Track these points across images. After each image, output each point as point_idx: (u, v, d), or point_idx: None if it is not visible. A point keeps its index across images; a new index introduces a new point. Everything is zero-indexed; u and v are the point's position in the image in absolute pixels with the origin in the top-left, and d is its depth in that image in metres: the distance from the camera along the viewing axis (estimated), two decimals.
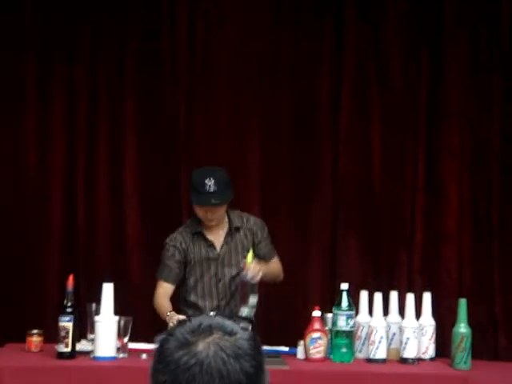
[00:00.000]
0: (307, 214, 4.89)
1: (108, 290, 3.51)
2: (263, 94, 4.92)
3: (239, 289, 3.85)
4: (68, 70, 4.87)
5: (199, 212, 4.02)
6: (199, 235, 4.09)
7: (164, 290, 4.02)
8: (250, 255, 3.82)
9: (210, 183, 3.91)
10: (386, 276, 4.76)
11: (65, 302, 3.48)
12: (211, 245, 4.09)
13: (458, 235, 4.85)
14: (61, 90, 4.88)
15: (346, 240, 4.86)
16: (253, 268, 3.79)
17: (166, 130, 4.90)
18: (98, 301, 3.52)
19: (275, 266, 4.11)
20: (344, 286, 3.64)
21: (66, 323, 3.44)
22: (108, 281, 3.54)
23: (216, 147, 4.85)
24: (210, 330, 1.41)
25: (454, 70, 4.87)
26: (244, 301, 3.77)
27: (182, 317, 3.71)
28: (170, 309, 3.88)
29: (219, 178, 3.96)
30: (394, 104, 4.90)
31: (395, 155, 4.91)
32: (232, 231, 4.09)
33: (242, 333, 1.41)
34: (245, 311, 3.73)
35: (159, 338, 1.44)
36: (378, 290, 3.71)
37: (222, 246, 4.09)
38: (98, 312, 3.51)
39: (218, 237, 4.10)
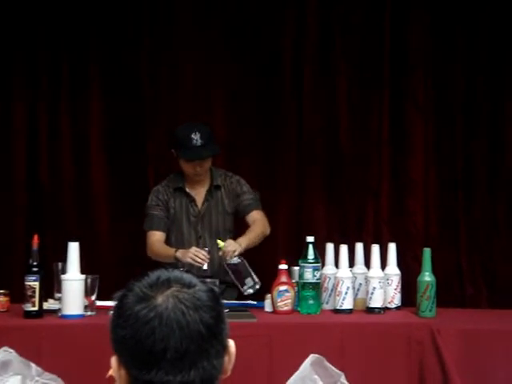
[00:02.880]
0: (273, 168, 4.89)
1: (74, 248, 3.50)
2: (227, 53, 4.89)
3: (230, 274, 3.83)
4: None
5: (187, 167, 4.01)
6: (180, 191, 4.09)
7: (157, 238, 4.03)
8: (219, 242, 3.82)
9: (197, 137, 3.93)
10: (352, 228, 4.79)
11: (30, 261, 3.46)
12: (192, 200, 4.09)
13: (424, 186, 4.88)
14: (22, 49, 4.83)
15: (312, 193, 4.88)
16: (228, 250, 3.79)
17: (130, 84, 4.87)
18: (65, 260, 3.51)
19: (256, 228, 4.00)
20: (310, 238, 3.66)
21: (33, 282, 3.43)
22: (74, 240, 3.53)
23: (180, 108, 4.82)
24: (168, 283, 1.41)
25: (417, 21, 4.86)
26: (241, 284, 3.78)
27: (200, 250, 3.74)
28: (172, 249, 3.89)
29: (204, 131, 3.98)
30: (358, 57, 4.89)
31: (360, 108, 4.91)
32: (212, 189, 4.08)
33: (201, 285, 1.42)
34: (248, 291, 3.76)
35: (118, 293, 1.44)
36: (345, 242, 3.74)
37: (202, 203, 4.09)
38: (64, 271, 3.50)
39: (199, 193, 4.10)
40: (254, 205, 4.08)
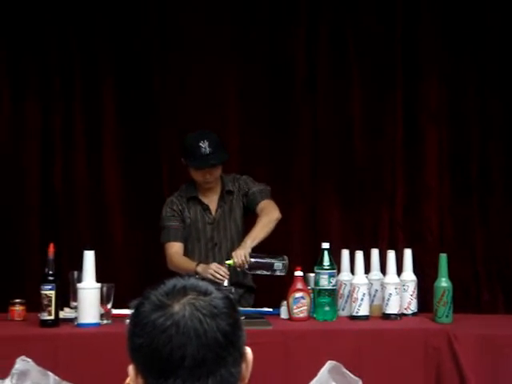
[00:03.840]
0: (287, 174, 4.89)
1: (89, 257, 3.50)
2: (239, 57, 4.90)
3: (260, 273, 3.84)
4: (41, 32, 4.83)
5: (197, 175, 4.02)
6: (194, 200, 4.09)
7: (175, 250, 4.01)
8: (227, 262, 3.82)
9: (205, 145, 3.93)
10: (367, 234, 4.78)
11: (46, 270, 3.47)
12: (207, 208, 4.09)
13: (438, 191, 4.87)
14: (33, 54, 4.85)
15: (326, 199, 4.87)
16: (239, 262, 3.79)
17: (143, 94, 4.88)
18: (80, 268, 3.51)
19: (262, 218, 3.95)
20: (325, 245, 3.65)
21: (49, 291, 3.43)
22: (89, 248, 3.53)
23: (193, 116, 4.82)
24: (184, 290, 1.40)
25: (429, 27, 4.85)
26: (273, 272, 3.79)
27: (220, 267, 3.74)
28: (193, 262, 3.89)
29: (212, 139, 3.97)
30: (371, 62, 4.89)
31: (374, 114, 4.91)
32: (224, 194, 4.09)
33: (217, 292, 1.41)
34: (283, 272, 3.78)
35: (135, 302, 1.44)
36: (360, 248, 3.73)
37: (216, 210, 4.09)
38: (80, 280, 3.51)
39: (212, 201, 4.10)
40: (260, 196, 4.05)
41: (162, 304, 1.39)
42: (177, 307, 1.38)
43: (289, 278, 3.68)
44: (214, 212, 4.10)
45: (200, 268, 3.80)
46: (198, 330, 1.36)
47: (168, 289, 1.41)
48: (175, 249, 4.02)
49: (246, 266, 3.80)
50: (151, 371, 1.37)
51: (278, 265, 3.78)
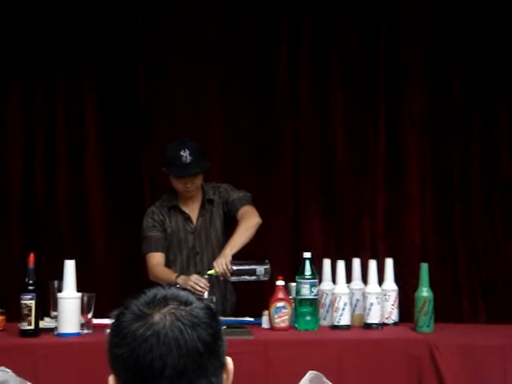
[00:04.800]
0: (269, 184, 4.90)
1: (70, 266, 3.49)
2: (222, 67, 4.91)
3: (243, 280, 3.84)
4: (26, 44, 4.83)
5: (178, 184, 4.01)
6: (175, 209, 4.09)
7: (157, 260, 4.00)
8: (209, 272, 3.82)
9: (186, 154, 3.93)
10: (349, 243, 4.79)
11: (26, 279, 3.44)
12: (188, 218, 4.08)
13: (420, 201, 4.88)
14: (17, 60, 4.84)
15: (308, 209, 4.88)
16: (221, 270, 3.78)
17: (125, 102, 4.87)
18: (61, 278, 3.50)
19: (241, 226, 3.94)
20: (306, 254, 3.65)
21: (29, 301, 3.41)
22: (69, 257, 3.51)
23: (175, 124, 4.82)
24: (165, 300, 1.40)
25: (412, 37, 4.87)
26: (257, 277, 3.79)
27: (200, 278, 3.73)
28: (173, 273, 3.87)
29: (193, 148, 3.97)
30: (353, 72, 4.90)
31: (356, 123, 4.92)
32: (205, 203, 4.08)
33: (198, 302, 1.41)
34: (266, 277, 3.77)
35: (115, 312, 1.43)
36: (341, 258, 3.73)
37: (197, 219, 4.09)
38: (60, 289, 3.49)
39: (193, 209, 4.10)
40: (240, 202, 4.05)
41: (143, 314, 1.38)
42: (157, 317, 1.37)
43: (270, 288, 3.67)
44: (195, 221, 4.09)
45: (180, 279, 3.79)
46: (179, 339, 1.35)
47: (149, 298, 1.40)
48: (156, 259, 4.01)
49: (229, 275, 3.79)
50: (133, 381, 1.36)
51: (261, 270, 3.78)
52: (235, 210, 4.02)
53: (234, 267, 3.79)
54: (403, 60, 4.89)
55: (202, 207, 4.09)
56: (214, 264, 3.80)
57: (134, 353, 1.35)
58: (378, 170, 4.89)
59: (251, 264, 3.81)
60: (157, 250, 4.03)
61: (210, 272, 3.80)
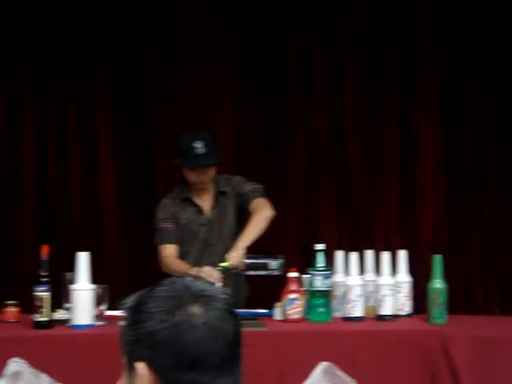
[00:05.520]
0: (282, 177, 4.89)
1: (83, 258, 3.50)
2: (234, 62, 4.90)
3: (258, 273, 3.84)
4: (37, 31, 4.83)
5: (191, 176, 4.01)
6: (187, 201, 4.08)
7: (169, 252, 3.99)
8: (222, 265, 3.81)
9: (199, 145, 3.93)
10: (362, 235, 4.78)
11: (40, 271, 3.46)
12: (200, 210, 4.08)
13: (434, 192, 4.87)
14: (28, 57, 4.84)
15: (321, 201, 4.87)
16: (235, 263, 3.79)
17: (137, 95, 4.88)
18: (74, 269, 3.51)
19: (253, 219, 3.92)
20: (319, 246, 3.65)
21: (42, 293, 3.43)
22: (83, 249, 3.52)
23: (188, 118, 4.81)
24: (198, 290, 1.42)
25: (426, 25, 4.84)
26: (269, 271, 3.78)
27: (213, 270, 3.73)
28: (186, 265, 3.87)
29: (207, 139, 3.97)
30: (367, 65, 4.88)
31: (369, 116, 4.90)
32: (218, 195, 4.08)
33: (223, 295, 1.45)
34: (280, 271, 3.76)
35: (129, 301, 1.44)
36: (354, 250, 3.73)
37: (210, 211, 4.09)
38: (73, 281, 3.50)
39: (206, 202, 4.09)
40: (253, 194, 4.03)
41: (183, 303, 1.40)
42: (200, 306, 1.40)
43: (283, 280, 3.67)
44: (207, 213, 4.09)
45: (193, 271, 3.79)
46: (225, 329, 1.40)
47: (181, 288, 1.42)
48: (169, 251, 4.01)
49: (242, 268, 3.79)
50: (175, 368, 1.37)
51: (274, 264, 3.77)
52: (248, 202, 4.01)
53: (248, 260, 3.78)
54: (417, 50, 4.86)
55: (215, 199, 4.09)
56: (228, 257, 3.80)
57: (182, 338, 1.37)
58: (391, 162, 4.87)
59: (265, 258, 3.81)
60: (169, 242, 4.03)
61: (223, 264, 3.80)
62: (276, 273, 3.78)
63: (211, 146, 3.97)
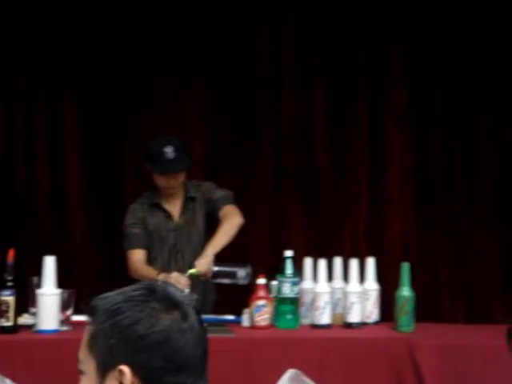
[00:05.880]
0: (250, 183, 4.88)
1: (50, 262, 3.47)
2: (204, 66, 4.89)
3: (224, 282, 3.82)
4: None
5: (161, 181, 4.00)
6: (156, 206, 4.06)
7: (138, 257, 3.98)
8: (190, 271, 3.80)
9: (169, 150, 3.94)
10: (330, 242, 4.78)
11: (5, 275, 3.42)
12: (169, 215, 4.06)
13: (402, 201, 4.88)
14: None
15: (289, 207, 4.87)
16: (202, 270, 3.77)
17: (106, 97, 4.85)
18: (41, 274, 3.47)
19: (223, 226, 3.91)
20: (288, 253, 3.65)
21: (7, 297, 3.40)
22: (49, 253, 3.49)
23: (157, 122, 4.78)
24: (178, 297, 1.46)
25: (395, 32, 4.86)
26: (237, 280, 3.77)
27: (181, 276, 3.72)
28: (154, 271, 3.86)
29: (176, 144, 3.98)
30: (336, 70, 4.89)
31: (338, 122, 4.91)
32: (187, 200, 4.07)
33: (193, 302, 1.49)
34: (247, 280, 3.75)
35: (89, 303, 1.46)
36: (323, 256, 3.73)
37: (179, 216, 4.07)
38: (40, 285, 3.47)
39: (175, 207, 4.08)
40: (222, 201, 4.02)
41: (166, 308, 1.42)
42: (184, 311, 1.43)
43: (251, 286, 3.67)
44: (176, 218, 4.08)
45: (161, 277, 3.77)
46: (203, 334, 1.45)
47: (160, 293, 1.44)
48: (137, 256, 3.99)
49: (210, 275, 3.78)
50: (168, 370, 1.40)
51: (242, 273, 3.76)
52: (218, 209, 4.00)
53: (216, 268, 3.77)
54: (386, 57, 4.88)
55: (184, 205, 4.08)
56: (196, 263, 3.79)
57: (171, 342, 1.40)
58: (359, 169, 4.88)
59: (232, 266, 3.80)
60: (138, 247, 4.01)
61: (191, 271, 3.78)
62: (243, 282, 3.77)
63: (181, 151, 3.98)
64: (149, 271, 3.89)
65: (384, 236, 4.86)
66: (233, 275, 3.78)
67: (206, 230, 4.07)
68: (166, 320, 1.40)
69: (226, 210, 3.99)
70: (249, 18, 4.90)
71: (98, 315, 1.44)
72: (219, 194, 4.06)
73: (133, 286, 1.46)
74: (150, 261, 4.02)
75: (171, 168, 3.96)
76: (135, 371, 1.39)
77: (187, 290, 3.66)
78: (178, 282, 3.70)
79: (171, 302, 1.43)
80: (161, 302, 1.42)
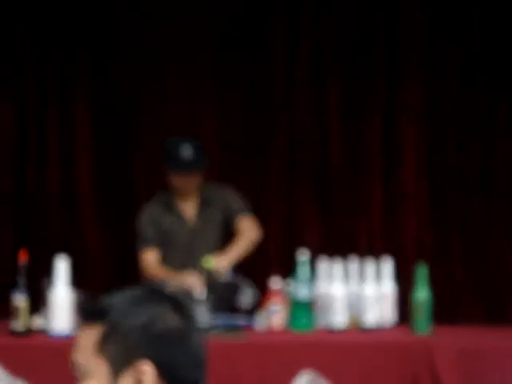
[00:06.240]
0: (263, 180, 4.84)
1: (62, 264, 3.44)
2: (217, 66, 4.86)
3: (224, 292, 3.80)
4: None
5: (177, 181, 3.96)
6: (170, 207, 4.03)
7: (151, 257, 3.96)
8: (207, 261, 3.77)
9: (188, 150, 3.89)
10: (345, 243, 4.74)
11: (17, 277, 3.40)
12: (183, 216, 4.03)
13: (416, 197, 4.84)
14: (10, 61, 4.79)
15: (304, 207, 4.83)
16: (219, 264, 3.75)
17: (117, 96, 4.82)
18: (53, 276, 3.45)
19: (243, 238, 3.93)
20: (302, 256, 3.61)
21: (20, 299, 3.37)
22: (62, 254, 3.47)
23: (169, 121, 4.76)
24: (185, 299, 1.58)
25: (411, 31, 4.83)
26: (239, 296, 3.74)
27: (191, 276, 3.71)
28: (167, 271, 3.85)
29: (195, 144, 3.95)
30: (351, 68, 4.86)
31: (352, 120, 4.88)
32: (203, 202, 4.03)
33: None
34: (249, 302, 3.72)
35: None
36: (338, 257, 3.69)
37: (193, 218, 4.04)
38: (52, 286, 3.44)
39: (189, 208, 4.05)
40: (241, 211, 4.01)
41: (178, 307, 1.46)
42: (190, 311, 1.49)
43: (265, 287, 3.63)
44: (190, 219, 4.04)
45: (175, 278, 3.74)
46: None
47: (172, 294, 1.50)
48: (150, 257, 3.97)
49: (222, 277, 3.74)
50: (186, 366, 1.44)
51: (248, 291, 3.71)
52: (235, 219, 3.99)
53: (229, 274, 3.74)
54: (402, 56, 4.84)
55: (200, 206, 4.04)
56: (215, 259, 3.75)
57: (190, 339, 1.45)
58: (374, 168, 4.85)
59: (244, 282, 3.75)
60: (151, 248, 3.99)
61: (207, 264, 3.74)
62: (244, 301, 3.71)
63: (198, 152, 3.93)
64: (161, 271, 3.88)
65: (399, 234, 4.82)
66: (239, 288, 3.72)
67: (220, 233, 4.04)
68: (179, 319, 1.44)
69: (244, 222, 3.99)
70: (262, 16, 4.87)
71: (110, 315, 1.42)
72: (237, 203, 4.02)
73: (141, 286, 1.50)
74: (164, 261, 4.00)
75: (187, 168, 3.91)
76: (156, 367, 1.41)
77: (202, 289, 3.63)
78: (191, 281, 3.67)
79: (180, 303, 1.47)
80: (171, 302, 1.45)
